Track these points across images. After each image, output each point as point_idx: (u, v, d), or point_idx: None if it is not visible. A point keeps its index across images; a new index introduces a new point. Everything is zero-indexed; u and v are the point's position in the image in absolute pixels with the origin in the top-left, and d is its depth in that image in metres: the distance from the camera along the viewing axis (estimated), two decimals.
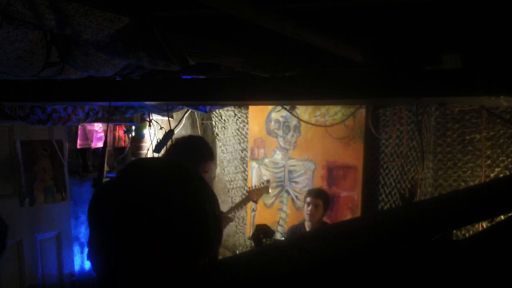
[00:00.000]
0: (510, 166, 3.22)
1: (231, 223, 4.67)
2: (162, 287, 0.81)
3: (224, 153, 4.85)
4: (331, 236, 1.37)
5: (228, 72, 2.17)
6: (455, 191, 2.60)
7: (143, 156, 5.07)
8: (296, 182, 4.31)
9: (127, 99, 2.42)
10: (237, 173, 4.77)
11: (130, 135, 5.16)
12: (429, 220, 1.34)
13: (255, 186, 3.87)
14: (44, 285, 4.60)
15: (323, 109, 4.09)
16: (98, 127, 5.13)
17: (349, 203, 4.02)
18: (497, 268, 1.13)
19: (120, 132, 5.25)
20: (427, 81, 1.76)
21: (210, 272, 0.85)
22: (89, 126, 5.04)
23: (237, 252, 4.66)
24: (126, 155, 5.38)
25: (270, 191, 4.09)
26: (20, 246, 4.36)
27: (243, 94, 2.12)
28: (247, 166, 4.62)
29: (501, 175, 3.24)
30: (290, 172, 4.34)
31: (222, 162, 4.86)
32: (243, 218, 4.71)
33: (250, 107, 4.52)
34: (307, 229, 3.68)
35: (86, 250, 5.18)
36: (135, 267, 0.80)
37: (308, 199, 3.66)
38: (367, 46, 1.80)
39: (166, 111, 3.79)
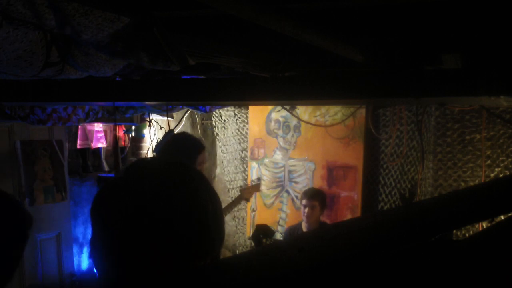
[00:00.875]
0: (510, 166, 3.22)
1: (231, 223, 4.68)
2: (162, 287, 0.81)
3: (224, 153, 4.85)
4: (331, 236, 1.37)
5: (228, 72, 2.17)
6: (455, 191, 2.60)
7: (143, 156, 5.08)
8: (296, 182, 4.31)
9: (127, 99, 2.42)
10: (237, 173, 4.77)
11: (130, 135, 5.17)
12: (429, 220, 1.34)
13: (246, 184, 3.82)
14: (44, 285, 4.60)
15: (323, 109, 4.08)
16: (98, 127, 5.13)
17: (349, 203, 4.01)
18: (497, 268, 1.13)
19: (120, 132, 5.25)
20: (427, 81, 1.76)
21: (210, 272, 0.85)
22: (89, 126, 5.04)
23: (237, 252, 4.65)
24: (126, 155, 5.38)
25: (262, 188, 4.04)
26: None
27: (243, 94, 2.12)
28: (247, 166, 4.62)
29: (501, 175, 3.24)
30: (290, 172, 4.34)
31: (222, 162, 4.86)
32: (243, 218, 4.71)
33: (250, 107, 4.51)
34: (304, 229, 3.65)
35: (86, 249, 5.18)
36: (135, 267, 0.80)
37: (304, 201, 3.60)
38: (367, 46, 1.80)
39: (166, 111, 3.79)
